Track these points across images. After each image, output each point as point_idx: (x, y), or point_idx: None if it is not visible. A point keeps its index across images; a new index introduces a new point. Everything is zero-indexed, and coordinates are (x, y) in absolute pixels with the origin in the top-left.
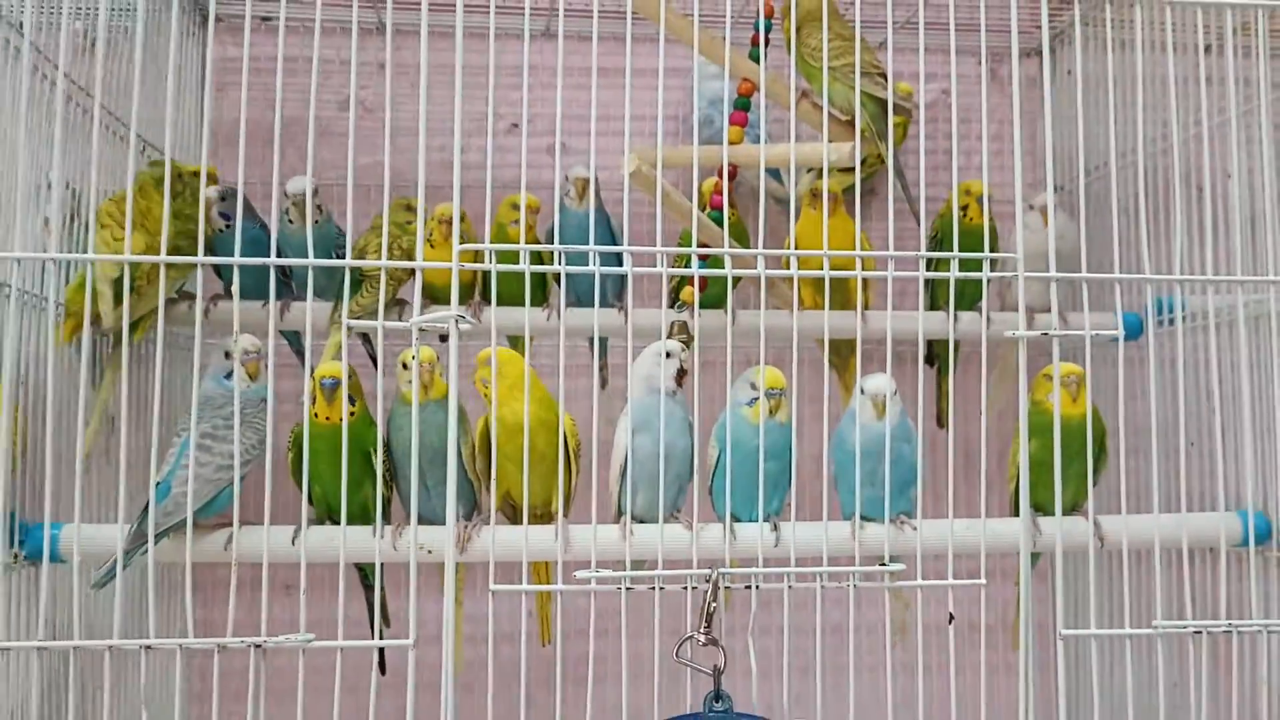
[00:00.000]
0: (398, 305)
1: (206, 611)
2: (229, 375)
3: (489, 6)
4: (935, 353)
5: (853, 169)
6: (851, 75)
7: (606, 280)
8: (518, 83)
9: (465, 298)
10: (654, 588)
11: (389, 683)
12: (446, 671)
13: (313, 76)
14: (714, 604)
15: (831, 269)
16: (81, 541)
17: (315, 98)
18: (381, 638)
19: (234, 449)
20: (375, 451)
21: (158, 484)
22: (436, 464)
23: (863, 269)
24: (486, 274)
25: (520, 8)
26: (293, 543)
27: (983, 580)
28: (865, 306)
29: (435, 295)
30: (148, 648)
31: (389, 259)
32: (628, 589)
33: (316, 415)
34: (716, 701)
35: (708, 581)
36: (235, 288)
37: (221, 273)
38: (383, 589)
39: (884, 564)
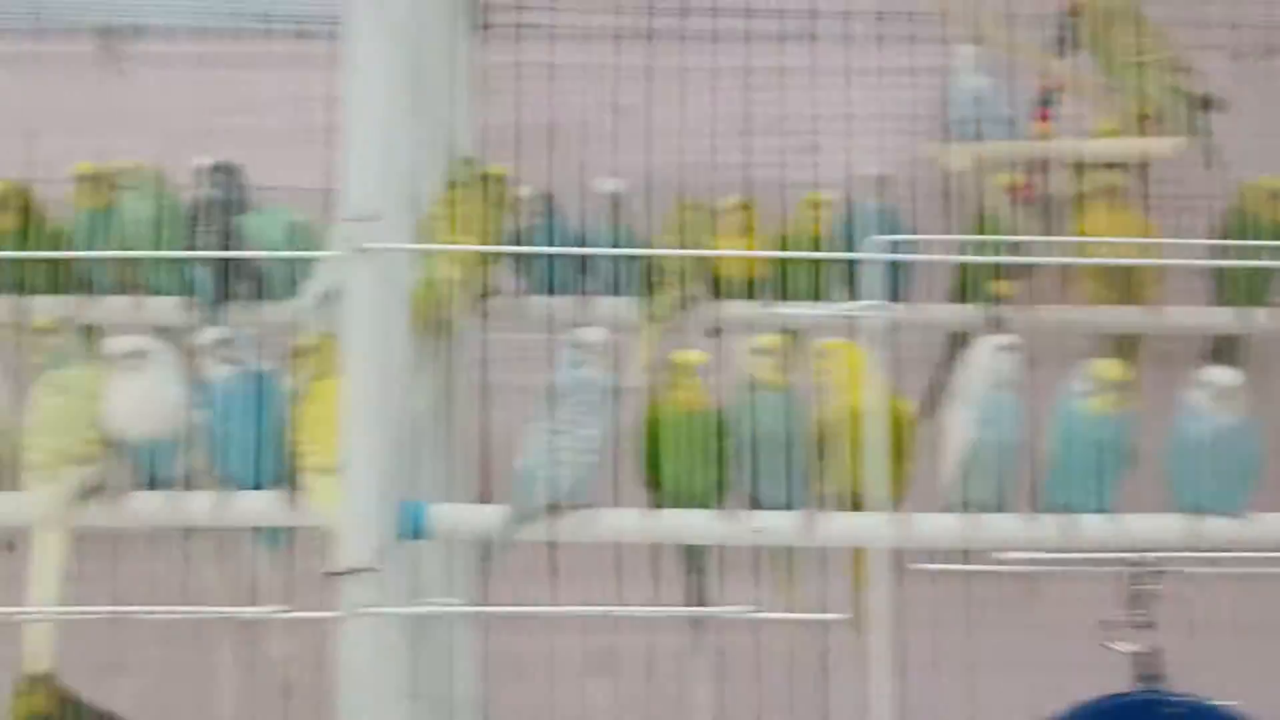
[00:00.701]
0: (690, 301)
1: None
2: (579, 365)
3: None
4: (1219, 348)
5: (1123, 165)
6: (1161, 72)
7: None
8: (769, 84)
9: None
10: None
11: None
12: (878, 655)
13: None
14: (1149, 587)
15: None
16: (452, 521)
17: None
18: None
19: (592, 434)
20: (727, 436)
21: (523, 469)
22: (785, 450)
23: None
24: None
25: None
26: (643, 524)
27: None
28: (1152, 301)
29: (723, 290)
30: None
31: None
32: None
33: (675, 401)
34: (1147, 684)
35: (1138, 566)
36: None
37: (526, 269)
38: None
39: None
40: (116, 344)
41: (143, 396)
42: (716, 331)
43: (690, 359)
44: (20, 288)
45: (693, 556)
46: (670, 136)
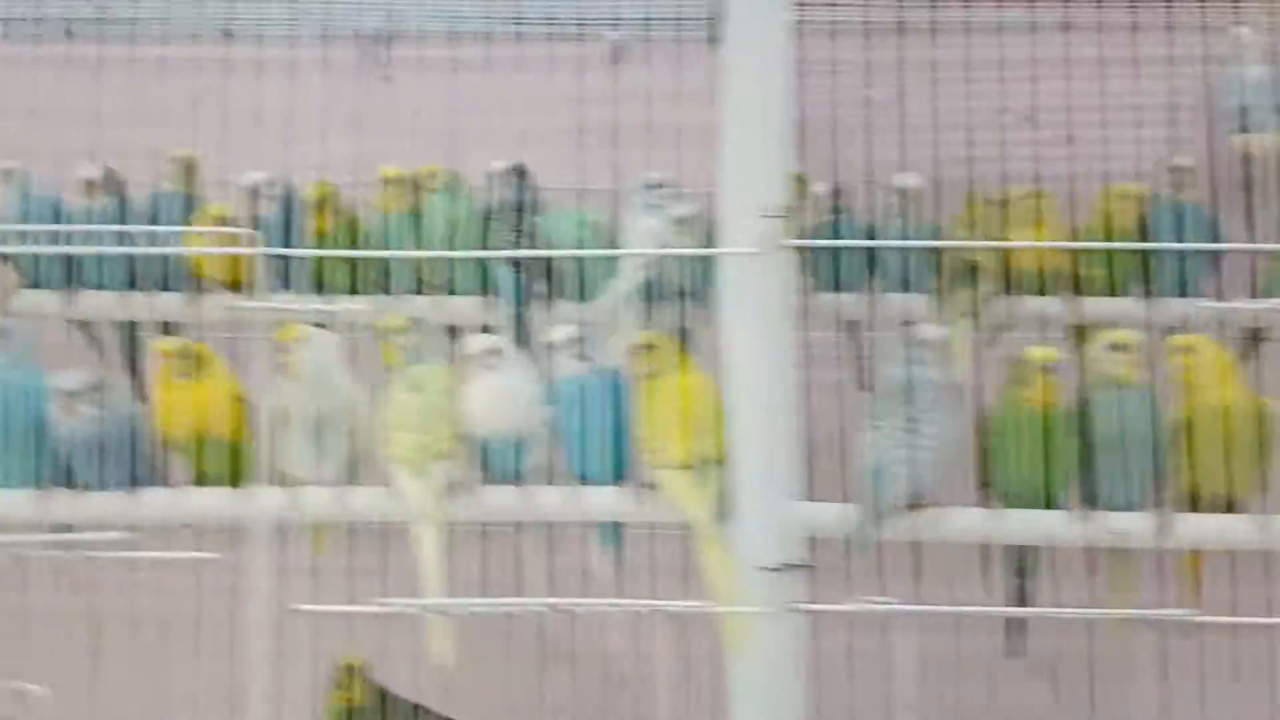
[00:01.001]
0: (993, 296)
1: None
2: (918, 362)
3: None
4: None
5: None
6: None
7: (1190, 272)
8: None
9: (1052, 287)
10: None
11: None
12: None
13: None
14: None
15: None
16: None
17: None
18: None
19: (935, 432)
20: (1074, 434)
21: (871, 468)
22: (1131, 450)
23: None
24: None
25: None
26: (990, 524)
27: None
28: None
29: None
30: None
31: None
32: None
33: (1023, 399)
34: None
35: None
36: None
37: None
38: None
39: None
40: (473, 343)
41: (498, 394)
42: (999, 329)
43: (1040, 355)
44: (353, 288)
45: (1021, 558)
46: (924, 131)
